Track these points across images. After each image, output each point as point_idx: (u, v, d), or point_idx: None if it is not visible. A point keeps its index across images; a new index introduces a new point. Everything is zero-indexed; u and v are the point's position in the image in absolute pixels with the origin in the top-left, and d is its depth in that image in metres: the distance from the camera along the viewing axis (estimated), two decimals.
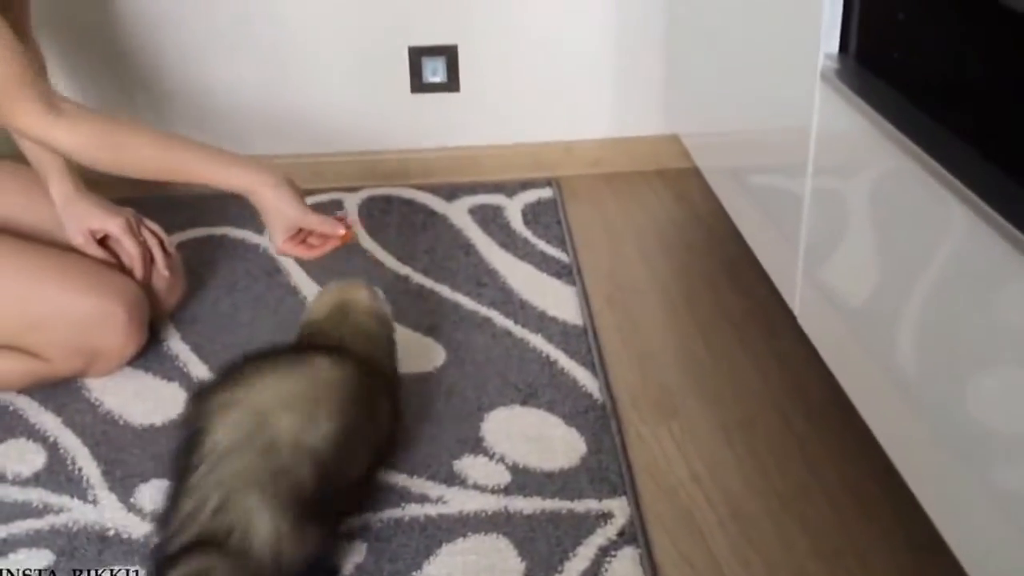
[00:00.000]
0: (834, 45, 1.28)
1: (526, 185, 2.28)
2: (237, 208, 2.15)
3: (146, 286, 1.70)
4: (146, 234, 1.72)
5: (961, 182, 0.96)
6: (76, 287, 1.58)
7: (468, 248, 2.03)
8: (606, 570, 1.29)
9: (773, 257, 1.60)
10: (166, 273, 1.72)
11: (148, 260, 1.70)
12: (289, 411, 1.21)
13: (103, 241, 1.69)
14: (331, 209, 2.17)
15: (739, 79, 1.73)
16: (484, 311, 1.82)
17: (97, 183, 1.73)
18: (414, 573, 1.29)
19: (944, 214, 1.00)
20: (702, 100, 1.99)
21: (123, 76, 2.20)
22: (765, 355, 1.68)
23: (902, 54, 1.15)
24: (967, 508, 1.03)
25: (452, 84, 2.27)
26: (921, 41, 1.13)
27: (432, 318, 1.80)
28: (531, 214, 2.16)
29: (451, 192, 2.25)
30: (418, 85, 2.26)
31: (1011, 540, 0.95)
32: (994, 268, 0.92)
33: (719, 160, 1.91)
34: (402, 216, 2.17)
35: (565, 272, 1.94)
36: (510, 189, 2.26)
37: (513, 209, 2.18)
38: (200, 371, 1.67)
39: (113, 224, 1.67)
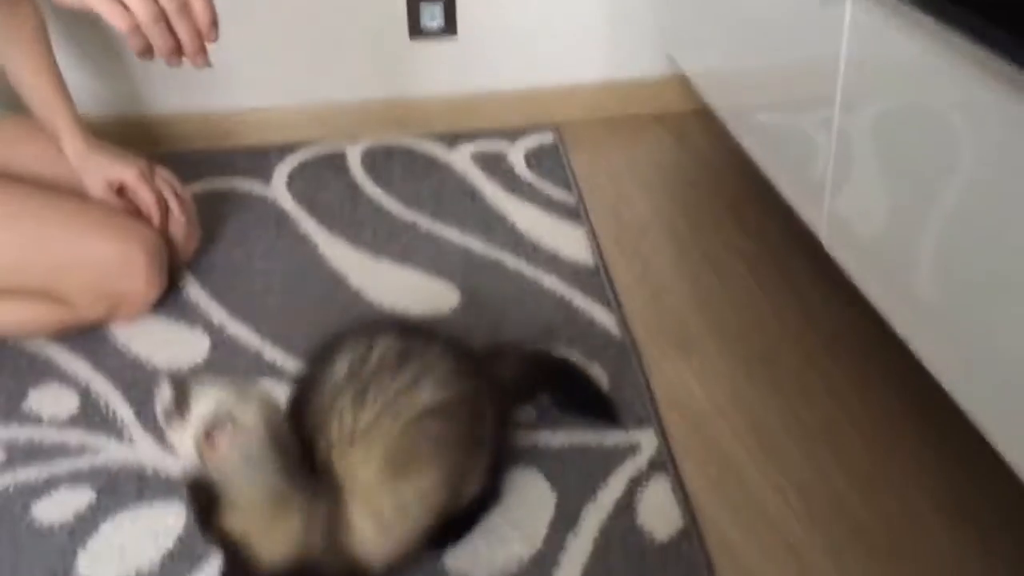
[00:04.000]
0: None
1: (527, 130, 2.29)
2: (244, 161, 2.18)
3: (164, 234, 1.71)
4: (160, 183, 1.73)
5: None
6: (98, 233, 1.59)
7: (473, 194, 2.05)
8: (639, 499, 1.31)
9: (797, 188, 1.59)
10: (182, 219, 1.73)
11: (164, 207, 1.71)
12: None
13: (120, 192, 1.70)
14: (332, 162, 2.19)
15: (751, 7, 1.73)
16: (495, 254, 1.84)
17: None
18: None
19: (1005, 106, 1.00)
20: (711, 36, 1.98)
21: None
22: (779, 290, 1.71)
23: None
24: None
25: (450, 29, 2.27)
26: None
27: (443, 262, 1.81)
28: (534, 159, 2.17)
29: (452, 139, 2.26)
30: (416, 31, 2.26)
31: None
32: None
33: (733, 97, 1.90)
34: (404, 164, 2.18)
35: (572, 214, 1.96)
36: (511, 135, 2.28)
37: (516, 154, 2.19)
38: (220, 316, 1.68)
39: (129, 174, 1.68)
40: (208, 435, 1.04)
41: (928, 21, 1.12)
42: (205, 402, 1.05)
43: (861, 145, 1.35)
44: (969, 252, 1.10)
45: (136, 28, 1.07)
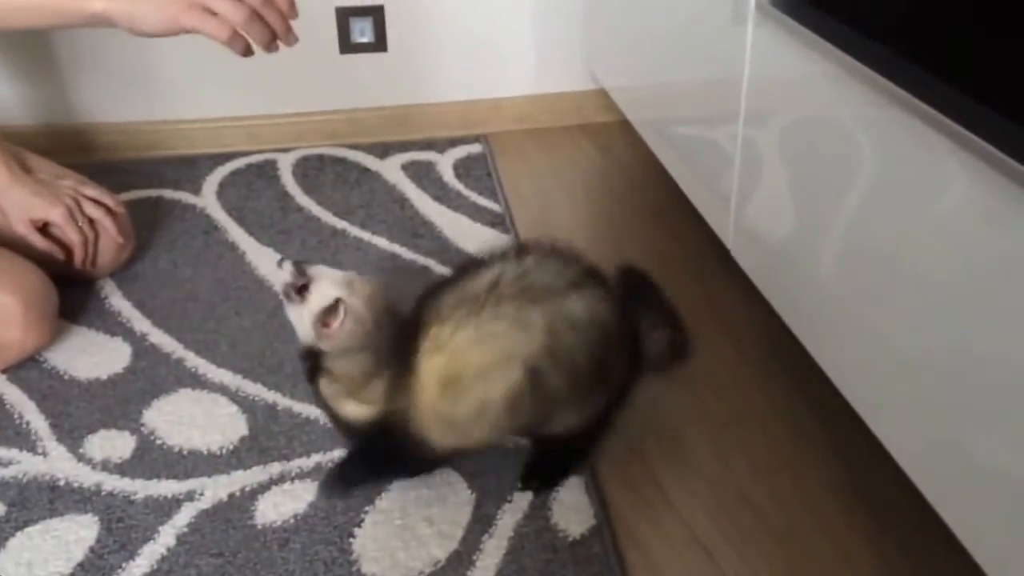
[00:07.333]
0: None
1: (456, 142, 2.32)
2: (174, 170, 2.18)
3: (89, 265, 1.71)
4: (90, 209, 1.70)
5: (898, 86, 1.00)
6: None
7: (403, 202, 2.06)
8: (553, 498, 1.33)
9: (705, 198, 1.64)
10: (121, 240, 1.74)
11: (93, 243, 1.70)
12: None
13: (46, 226, 1.66)
14: (264, 171, 2.20)
15: (664, 27, 1.77)
16: (422, 260, 1.85)
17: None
18: (367, 508, 1.32)
19: (891, 130, 1.04)
20: (628, 53, 2.03)
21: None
22: (695, 294, 1.74)
23: None
24: (905, 415, 1.09)
25: (380, 44, 2.29)
26: None
27: (371, 268, 1.83)
28: (462, 168, 2.20)
29: (383, 150, 2.28)
30: (347, 46, 2.28)
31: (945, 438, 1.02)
32: (948, 181, 0.96)
33: (649, 112, 1.95)
34: (336, 174, 2.19)
35: (498, 222, 1.98)
36: (440, 146, 2.30)
37: (444, 164, 2.22)
38: (143, 326, 1.68)
39: (55, 214, 1.64)
40: (324, 319, 1.19)
41: (821, 42, 1.16)
42: (324, 289, 1.21)
43: (764, 159, 1.39)
44: (865, 261, 1.14)
45: (235, 33, 1.20)
